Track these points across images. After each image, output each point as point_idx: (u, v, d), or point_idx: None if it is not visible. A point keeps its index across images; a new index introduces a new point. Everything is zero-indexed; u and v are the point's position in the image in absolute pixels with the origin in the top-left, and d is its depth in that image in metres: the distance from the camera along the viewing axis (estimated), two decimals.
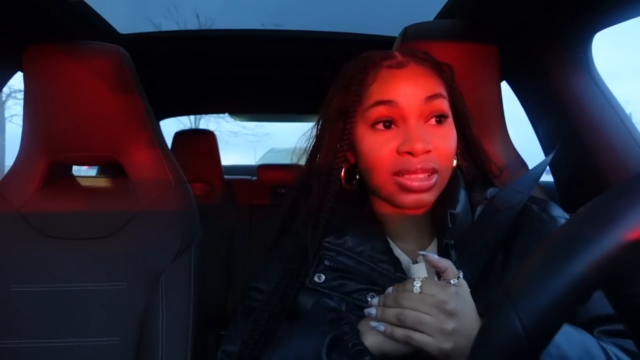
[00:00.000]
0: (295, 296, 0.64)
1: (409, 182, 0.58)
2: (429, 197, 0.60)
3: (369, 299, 0.60)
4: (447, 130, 0.62)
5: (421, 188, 0.58)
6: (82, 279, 0.94)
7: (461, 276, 0.55)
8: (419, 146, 0.57)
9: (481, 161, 0.69)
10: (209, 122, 9.68)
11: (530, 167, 0.96)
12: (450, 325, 0.49)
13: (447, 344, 0.49)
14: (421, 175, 0.58)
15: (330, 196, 0.64)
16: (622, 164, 0.95)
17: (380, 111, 0.60)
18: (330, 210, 0.64)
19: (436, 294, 0.51)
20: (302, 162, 0.70)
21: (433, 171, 0.58)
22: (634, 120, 1.01)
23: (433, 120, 0.61)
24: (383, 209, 0.67)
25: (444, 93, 0.63)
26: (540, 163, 0.72)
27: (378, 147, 0.60)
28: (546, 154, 1.15)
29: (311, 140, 0.69)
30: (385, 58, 0.64)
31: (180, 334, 0.92)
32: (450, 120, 0.63)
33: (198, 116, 9.28)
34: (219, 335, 1.72)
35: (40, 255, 0.95)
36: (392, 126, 0.61)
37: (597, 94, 1.01)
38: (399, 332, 0.52)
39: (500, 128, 0.99)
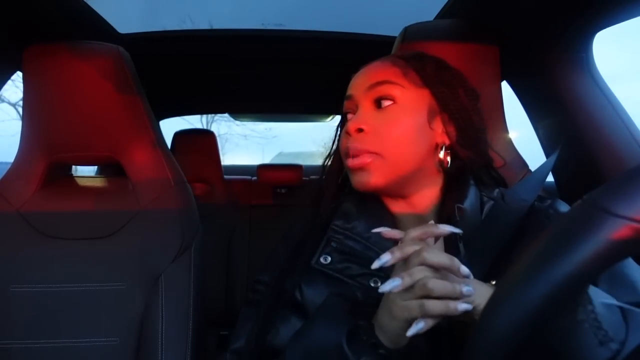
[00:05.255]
0: (299, 278, 0.65)
1: (347, 162, 0.65)
2: (370, 179, 0.63)
3: (372, 284, 0.61)
4: (390, 113, 0.64)
5: (354, 166, 0.63)
6: (82, 279, 0.94)
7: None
8: (351, 125, 0.64)
9: (479, 150, 0.68)
10: (220, 125, 9.70)
11: (531, 167, 0.97)
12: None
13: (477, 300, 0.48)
14: (355, 155, 0.63)
15: (334, 182, 0.72)
16: (623, 164, 0.95)
17: (345, 105, 0.70)
18: (333, 196, 0.71)
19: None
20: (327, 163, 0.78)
21: (364, 151, 0.63)
22: None
23: (384, 104, 0.65)
24: (388, 203, 0.69)
25: (397, 80, 0.65)
26: (545, 162, 0.72)
27: (341, 134, 0.69)
28: (547, 154, 1.15)
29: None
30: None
31: (180, 334, 0.92)
32: (400, 105, 0.65)
33: (210, 119, 9.32)
34: (219, 335, 1.72)
35: (40, 255, 0.95)
36: (350, 115, 0.68)
37: (597, 93, 1.01)
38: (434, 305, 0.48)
39: (500, 128, 0.99)
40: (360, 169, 0.63)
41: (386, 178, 0.63)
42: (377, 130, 0.63)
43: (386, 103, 0.64)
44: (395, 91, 0.65)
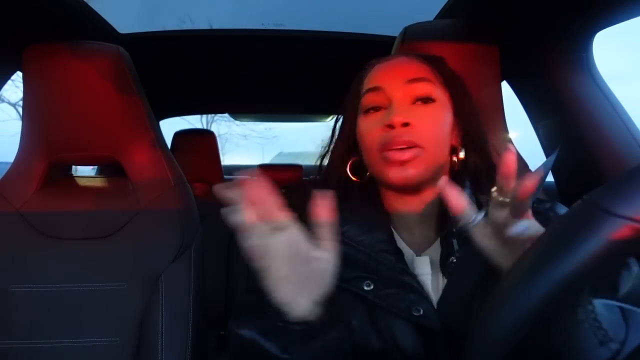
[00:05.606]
0: None
1: (390, 155, 0.62)
2: (413, 172, 0.62)
3: (365, 287, 0.61)
4: (432, 110, 0.65)
5: (400, 159, 0.62)
6: (82, 279, 0.94)
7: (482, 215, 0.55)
8: (397, 119, 0.62)
9: (485, 153, 0.70)
10: (220, 125, 9.68)
11: (531, 167, 0.97)
12: None
13: None
14: (399, 147, 0.62)
15: (333, 180, 0.70)
16: (623, 164, 0.95)
17: (370, 98, 0.67)
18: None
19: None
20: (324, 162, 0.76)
21: (411, 144, 0.62)
22: None
23: (419, 103, 0.65)
24: (391, 199, 0.69)
25: (432, 78, 0.66)
26: (543, 164, 0.72)
27: (368, 127, 0.66)
28: (547, 154, 1.15)
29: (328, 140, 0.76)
30: (382, 58, 0.71)
31: (180, 334, 0.92)
32: (439, 104, 0.65)
33: (210, 119, 9.31)
34: (219, 335, 1.72)
35: (40, 255, 0.95)
36: (381, 109, 0.66)
37: (597, 93, 1.01)
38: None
39: (500, 128, 0.99)
40: (405, 162, 0.62)
41: (425, 172, 0.63)
42: (420, 125, 0.63)
43: (429, 102, 0.65)
44: (433, 89, 0.66)
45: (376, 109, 0.66)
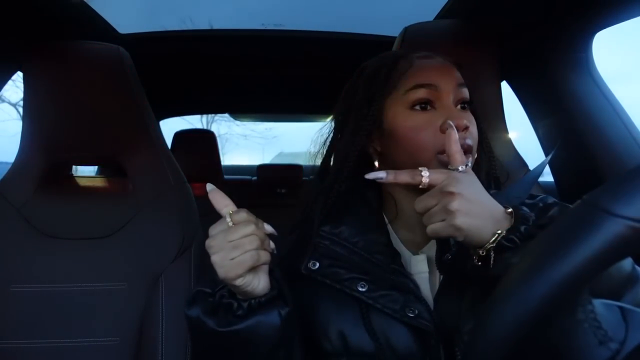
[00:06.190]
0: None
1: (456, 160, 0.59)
2: None
3: (360, 288, 0.61)
4: (471, 115, 0.65)
5: (462, 163, 0.59)
6: (82, 279, 0.94)
7: (469, 164, 0.57)
8: (462, 122, 0.60)
9: (491, 155, 0.71)
10: (220, 125, 9.65)
11: (530, 167, 0.97)
12: (454, 205, 0.50)
13: (457, 221, 0.50)
14: (468, 152, 0.61)
15: (345, 173, 0.66)
16: (622, 164, 0.95)
17: (421, 94, 0.63)
18: (340, 189, 0.66)
19: (440, 180, 0.53)
20: (318, 161, 0.73)
21: (470, 149, 0.61)
22: None
23: (460, 107, 0.65)
24: (402, 199, 0.67)
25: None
26: (540, 164, 0.73)
27: (420, 126, 0.63)
28: (546, 154, 1.15)
29: (330, 133, 0.72)
30: (413, 52, 0.68)
31: (180, 334, 0.92)
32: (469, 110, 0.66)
33: (210, 119, 9.31)
34: None
35: (40, 255, 0.95)
36: (429, 108, 0.64)
37: (597, 93, 1.01)
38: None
39: (500, 128, 0.99)
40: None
41: None
42: (472, 129, 0.63)
43: (468, 106, 0.66)
44: (468, 94, 0.66)
45: (424, 106, 0.63)
